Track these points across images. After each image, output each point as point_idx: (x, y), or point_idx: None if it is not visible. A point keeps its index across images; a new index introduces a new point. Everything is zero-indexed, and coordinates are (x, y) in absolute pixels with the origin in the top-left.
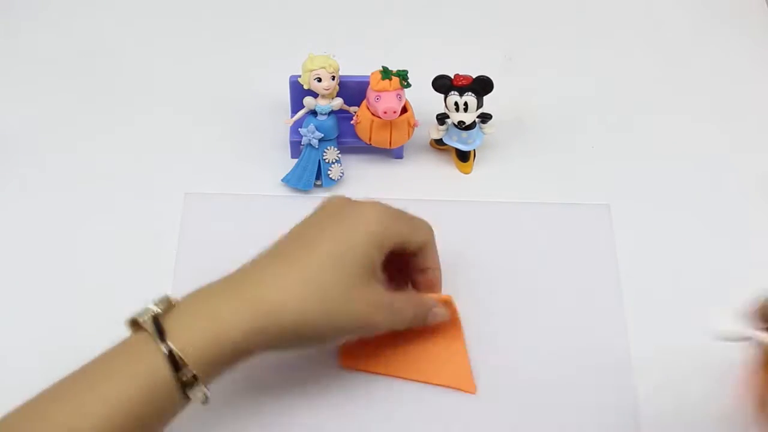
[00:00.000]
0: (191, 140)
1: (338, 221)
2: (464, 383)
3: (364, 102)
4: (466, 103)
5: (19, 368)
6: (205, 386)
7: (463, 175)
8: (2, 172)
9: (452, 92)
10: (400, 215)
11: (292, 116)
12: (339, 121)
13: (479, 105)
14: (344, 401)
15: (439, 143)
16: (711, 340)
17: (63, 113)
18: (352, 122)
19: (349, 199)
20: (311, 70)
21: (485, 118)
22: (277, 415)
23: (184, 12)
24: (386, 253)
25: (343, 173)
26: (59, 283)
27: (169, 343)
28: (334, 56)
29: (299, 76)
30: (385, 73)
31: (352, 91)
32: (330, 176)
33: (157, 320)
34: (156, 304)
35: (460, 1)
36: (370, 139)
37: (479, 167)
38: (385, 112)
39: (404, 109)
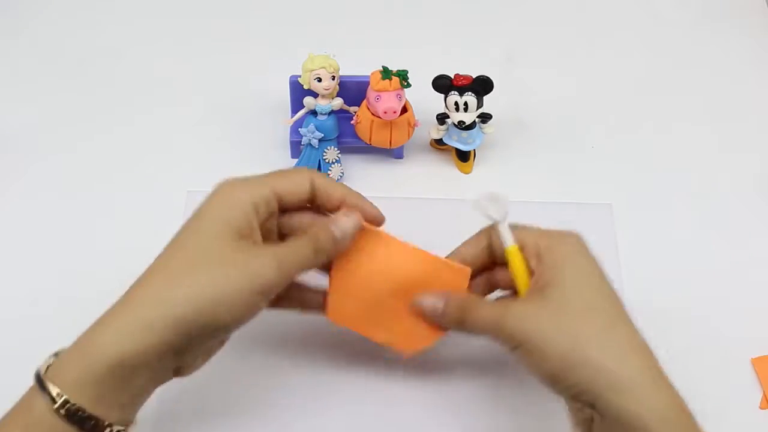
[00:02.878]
0: (191, 140)
1: (208, 201)
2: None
3: (364, 102)
4: (466, 103)
5: (19, 368)
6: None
7: (463, 175)
8: (3, 172)
9: (452, 92)
10: (269, 174)
11: (292, 116)
12: (339, 121)
13: (479, 105)
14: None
15: (439, 143)
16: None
17: (64, 113)
18: (352, 122)
19: (220, 189)
20: (311, 70)
21: (485, 118)
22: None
23: (184, 12)
24: (263, 215)
25: (343, 173)
26: (61, 283)
27: (45, 381)
28: (334, 56)
29: (299, 76)
30: (385, 73)
31: (352, 91)
32: (330, 176)
33: (39, 378)
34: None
35: (460, 1)
36: (370, 139)
37: (479, 167)
38: (385, 112)
39: (404, 109)
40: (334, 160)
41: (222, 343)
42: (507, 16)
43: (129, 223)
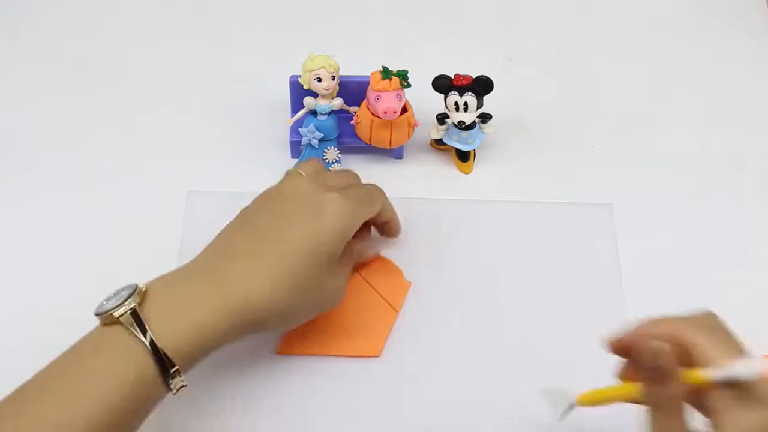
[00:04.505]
0: (191, 140)
1: (306, 216)
2: (372, 350)
3: (364, 102)
4: (466, 103)
5: (19, 369)
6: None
7: (463, 175)
8: (3, 172)
9: (452, 92)
10: (359, 202)
11: (292, 116)
12: (339, 121)
13: (479, 105)
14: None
15: (439, 143)
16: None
17: (64, 113)
18: (352, 122)
19: (311, 186)
20: (311, 70)
21: (485, 118)
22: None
23: (184, 12)
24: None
25: None
26: (61, 283)
27: (154, 339)
28: (334, 56)
29: (299, 76)
30: (385, 73)
31: (352, 91)
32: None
33: (136, 315)
34: (131, 296)
35: (460, 1)
36: (370, 139)
37: (479, 167)
38: (385, 112)
39: (404, 109)
40: (334, 160)
41: None
42: (507, 16)
43: (129, 223)
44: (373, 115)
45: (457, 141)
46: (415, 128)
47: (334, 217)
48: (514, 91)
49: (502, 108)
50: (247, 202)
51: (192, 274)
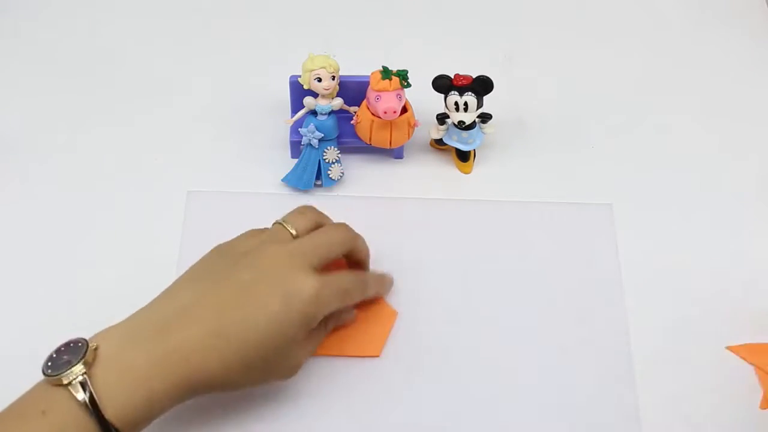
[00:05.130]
0: (191, 140)
1: (275, 296)
2: (372, 350)
3: (364, 102)
4: (466, 103)
5: (19, 368)
6: None
7: (463, 175)
8: (3, 172)
9: (452, 92)
10: (340, 293)
11: (292, 116)
12: (339, 121)
13: (479, 105)
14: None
15: (439, 143)
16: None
17: (64, 113)
18: (352, 122)
19: (287, 259)
20: (311, 70)
21: (485, 118)
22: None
23: (184, 12)
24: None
25: (343, 173)
26: (61, 283)
27: (103, 411)
28: (334, 56)
29: (299, 76)
30: (385, 73)
31: (352, 91)
32: (330, 176)
33: (86, 383)
34: (81, 359)
35: (460, 1)
36: (370, 139)
37: (479, 167)
38: (385, 112)
39: (404, 109)
40: (334, 160)
41: None
42: (507, 16)
43: (129, 223)
44: (373, 115)
45: (457, 141)
46: (415, 128)
47: (306, 304)
48: (514, 91)
49: (502, 108)
50: (248, 203)
51: (144, 332)
